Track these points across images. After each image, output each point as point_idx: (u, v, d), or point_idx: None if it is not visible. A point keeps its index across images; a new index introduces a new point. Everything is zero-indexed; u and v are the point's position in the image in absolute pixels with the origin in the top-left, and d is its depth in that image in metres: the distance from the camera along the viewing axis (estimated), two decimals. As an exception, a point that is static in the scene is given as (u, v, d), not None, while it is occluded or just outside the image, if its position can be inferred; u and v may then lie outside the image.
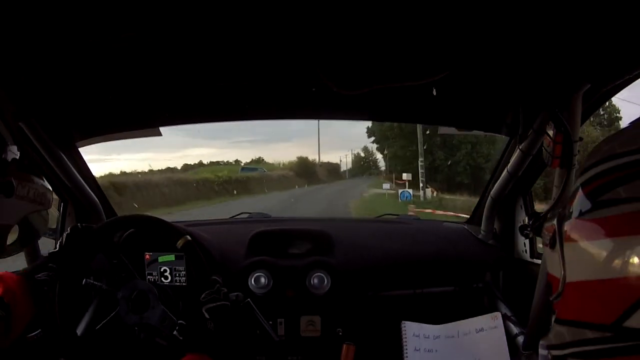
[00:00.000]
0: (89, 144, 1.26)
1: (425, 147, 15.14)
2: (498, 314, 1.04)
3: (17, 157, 0.55)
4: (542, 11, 0.62)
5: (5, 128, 0.53)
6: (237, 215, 1.62)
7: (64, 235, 0.95)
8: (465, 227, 1.44)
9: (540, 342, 0.42)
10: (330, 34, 0.73)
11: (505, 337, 1.00)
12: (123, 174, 15.37)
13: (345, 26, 0.69)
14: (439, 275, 1.27)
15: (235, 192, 16.22)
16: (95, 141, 1.26)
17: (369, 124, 19.38)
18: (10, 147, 0.52)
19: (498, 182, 1.23)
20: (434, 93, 0.95)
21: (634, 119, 0.39)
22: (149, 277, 1.22)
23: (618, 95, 0.91)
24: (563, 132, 0.85)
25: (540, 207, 1.29)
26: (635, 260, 0.32)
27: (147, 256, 1.23)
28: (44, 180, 0.58)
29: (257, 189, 17.82)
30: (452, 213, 8.02)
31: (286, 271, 1.20)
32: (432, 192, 13.57)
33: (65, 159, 1.14)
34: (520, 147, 1.07)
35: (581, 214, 0.37)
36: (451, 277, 1.27)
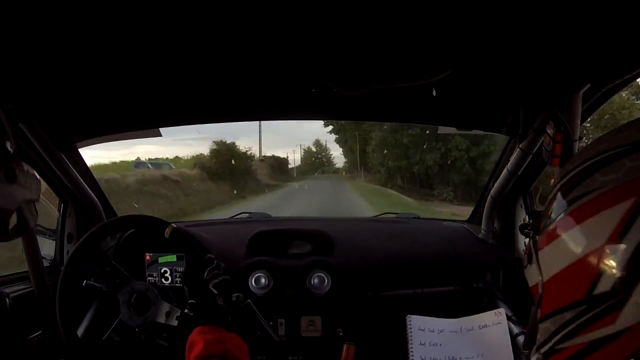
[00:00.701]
0: (89, 144, 1.25)
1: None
2: (502, 310, 1.04)
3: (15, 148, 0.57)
4: (542, 11, 0.62)
5: (4, 127, 0.53)
6: (237, 215, 1.62)
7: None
8: (465, 226, 1.44)
9: (531, 355, 0.44)
10: (330, 34, 0.72)
11: (508, 333, 1.00)
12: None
13: (345, 26, 0.69)
14: (439, 275, 1.27)
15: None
16: (95, 141, 1.25)
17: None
18: (10, 139, 0.53)
19: (498, 181, 1.23)
20: (434, 93, 0.95)
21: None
22: (149, 278, 1.22)
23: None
24: (563, 131, 0.86)
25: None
26: (596, 235, 0.34)
27: (148, 257, 1.23)
28: (35, 172, 0.60)
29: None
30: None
31: (286, 271, 1.20)
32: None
33: (65, 159, 1.14)
34: (520, 146, 1.07)
35: (558, 214, 0.39)
36: (451, 277, 1.27)
